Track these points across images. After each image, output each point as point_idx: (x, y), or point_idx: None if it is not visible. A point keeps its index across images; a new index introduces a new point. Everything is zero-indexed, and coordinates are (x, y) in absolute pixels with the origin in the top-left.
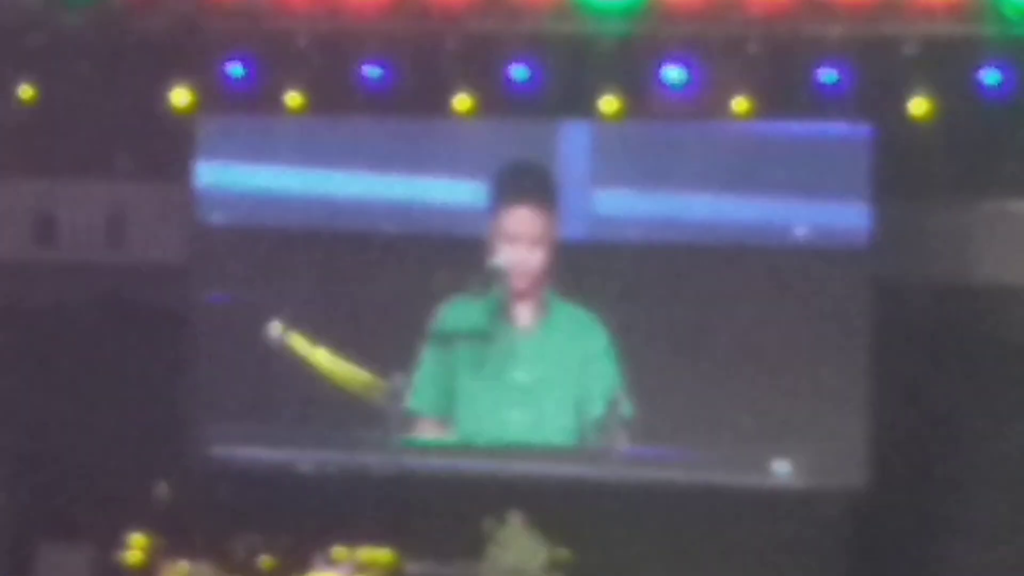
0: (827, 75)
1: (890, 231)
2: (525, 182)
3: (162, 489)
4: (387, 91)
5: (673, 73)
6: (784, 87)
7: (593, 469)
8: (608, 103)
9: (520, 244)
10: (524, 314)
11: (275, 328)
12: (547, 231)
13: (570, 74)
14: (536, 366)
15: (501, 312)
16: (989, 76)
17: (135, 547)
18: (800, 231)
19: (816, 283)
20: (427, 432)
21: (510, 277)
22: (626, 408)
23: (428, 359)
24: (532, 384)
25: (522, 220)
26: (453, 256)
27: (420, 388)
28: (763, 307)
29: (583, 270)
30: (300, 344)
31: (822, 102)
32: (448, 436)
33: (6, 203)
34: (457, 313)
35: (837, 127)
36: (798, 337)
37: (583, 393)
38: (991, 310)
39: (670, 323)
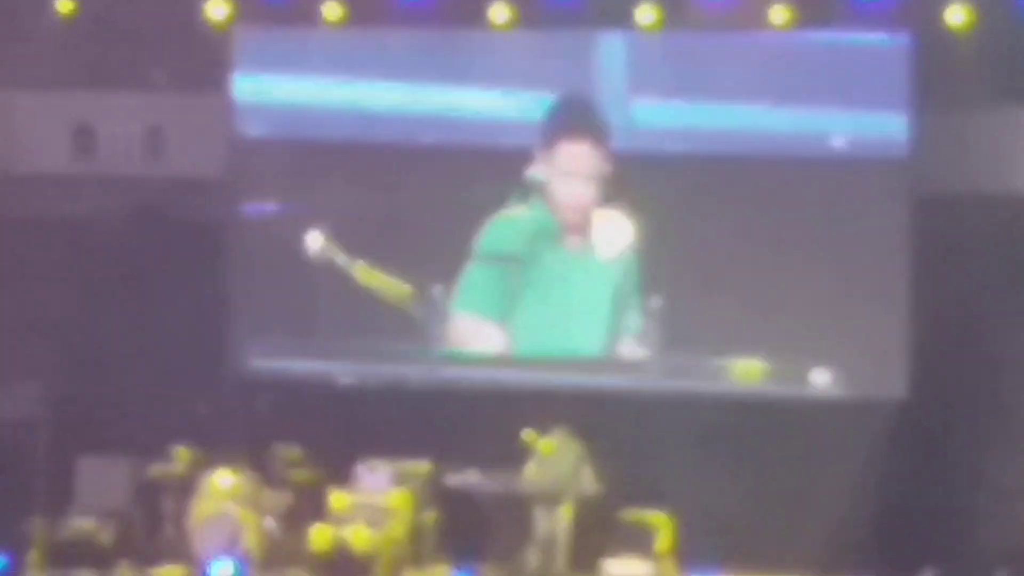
0: None
1: (929, 141)
2: (584, 118)
3: (201, 404)
4: (425, 2)
5: None
6: None
7: (632, 380)
8: (646, 13)
9: (576, 179)
10: (574, 236)
11: (314, 240)
12: (602, 165)
13: None
14: (585, 283)
15: (552, 236)
16: None
17: (175, 459)
18: (838, 141)
19: (855, 193)
20: (476, 333)
21: (561, 209)
22: (660, 332)
23: (475, 272)
24: (581, 300)
25: (579, 157)
26: (491, 167)
27: (467, 292)
28: (802, 217)
29: (621, 181)
30: (339, 256)
31: (861, 11)
32: (497, 338)
33: (46, 116)
34: (504, 232)
35: (876, 37)
36: (837, 248)
37: (622, 310)
38: None
39: (708, 233)
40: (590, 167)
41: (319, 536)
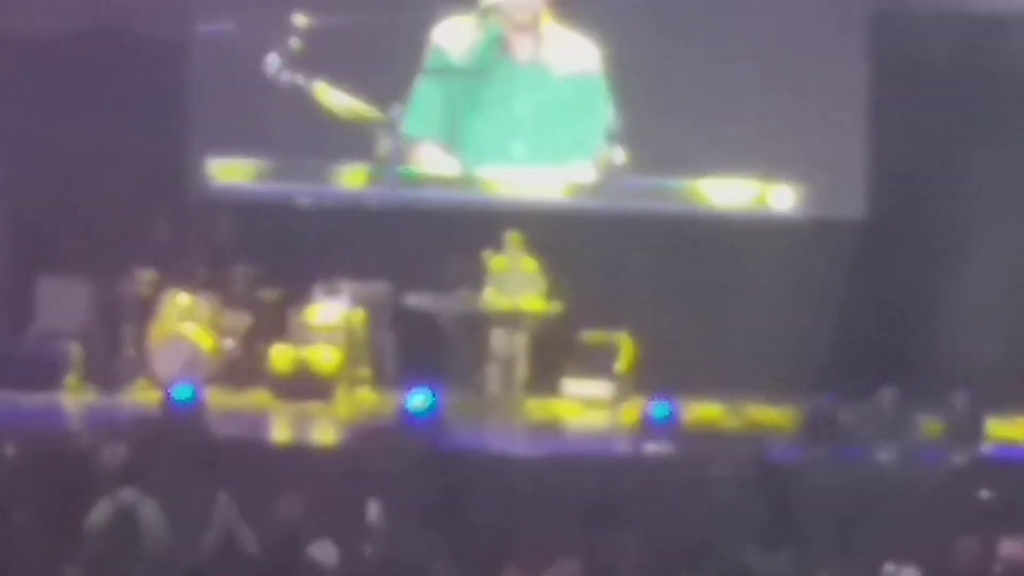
0: None
1: None
2: None
3: (160, 224)
4: None
5: None
6: None
7: (593, 199)
8: None
9: None
10: (523, 46)
11: (273, 61)
12: None
13: None
14: (536, 97)
15: (500, 46)
16: None
17: (135, 280)
18: None
19: (813, 10)
20: (429, 156)
21: (510, 10)
22: (624, 150)
23: (424, 89)
24: (532, 115)
25: None
26: None
27: (417, 114)
28: (762, 39)
29: None
30: (298, 77)
31: None
32: (450, 160)
33: None
34: (452, 44)
35: None
36: (798, 67)
37: (582, 123)
38: (992, 38)
39: (668, 53)
40: None
41: (280, 357)
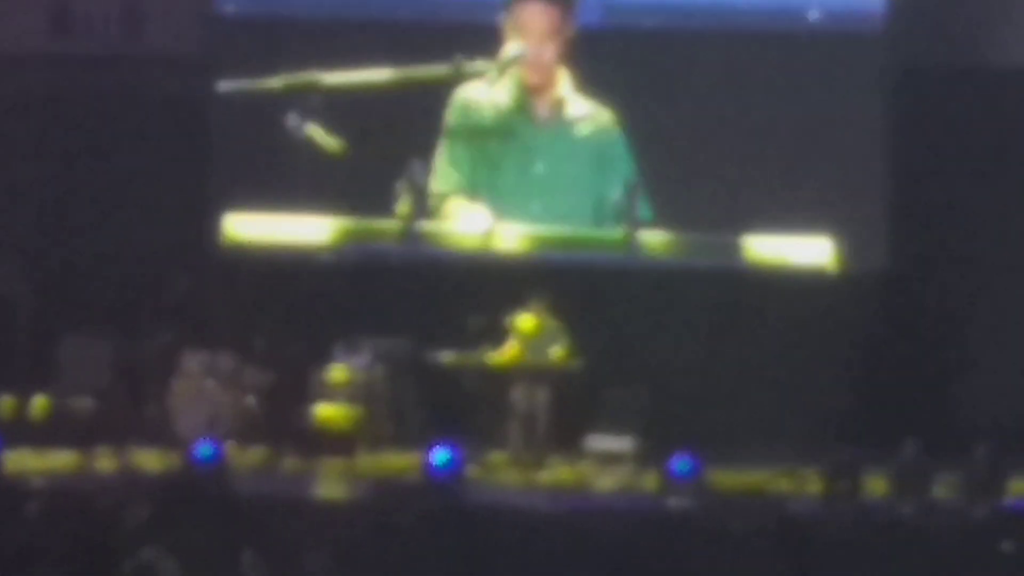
0: None
1: (905, 13)
2: None
3: (181, 282)
4: None
5: None
6: None
7: (614, 254)
8: None
9: (532, 38)
10: (541, 109)
11: (293, 119)
12: (560, 25)
13: None
14: (555, 158)
15: (519, 107)
16: None
17: (158, 338)
18: (814, 14)
19: (832, 67)
20: (459, 209)
21: (525, 70)
22: (644, 208)
23: (448, 147)
24: (551, 176)
25: (534, 14)
26: (468, 43)
27: (444, 171)
28: (780, 93)
29: (598, 57)
30: (318, 134)
31: None
32: (481, 211)
33: None
34: (473, 105)
35: None
36: (817, 123)
37: (602, 183)
38: (1013, 91)
39: (686, 111)
40: (544, 24)
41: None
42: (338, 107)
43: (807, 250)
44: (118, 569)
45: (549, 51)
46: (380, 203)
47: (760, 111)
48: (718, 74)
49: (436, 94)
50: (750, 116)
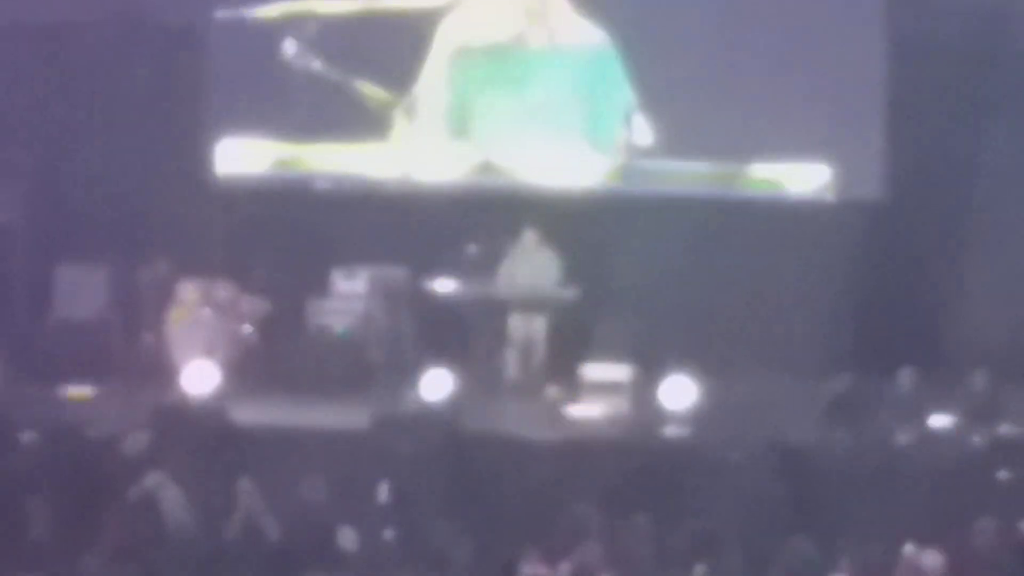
0: None
1: None
2: None
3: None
4: None
5: None
6: None
7: (612, 183)
8: None
9: None
10: (537, 32)
11: (290, 46)
12: None
13: None
14: (551, 83)
15: (514, 30)
16: None
17: (153, 267)
18: None
19: None
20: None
21: None
22: (642, 132)
23: (434, 73)
24: (547, 101)
25: None
26: None
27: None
28: (785, 20)
29: None
30: (315, 63)
31: None
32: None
33: None
34: (465, 30)
35: None
36: (816, 48)
37: (598, 108)
38: (1015, 18)
39: (684, 31)
40: None
41: None
42: (333, 34)
43: (803, 177)
44: (120, 496)
45: None
46: (377, 130)
47: (759, 35)
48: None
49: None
50: (748, 41)
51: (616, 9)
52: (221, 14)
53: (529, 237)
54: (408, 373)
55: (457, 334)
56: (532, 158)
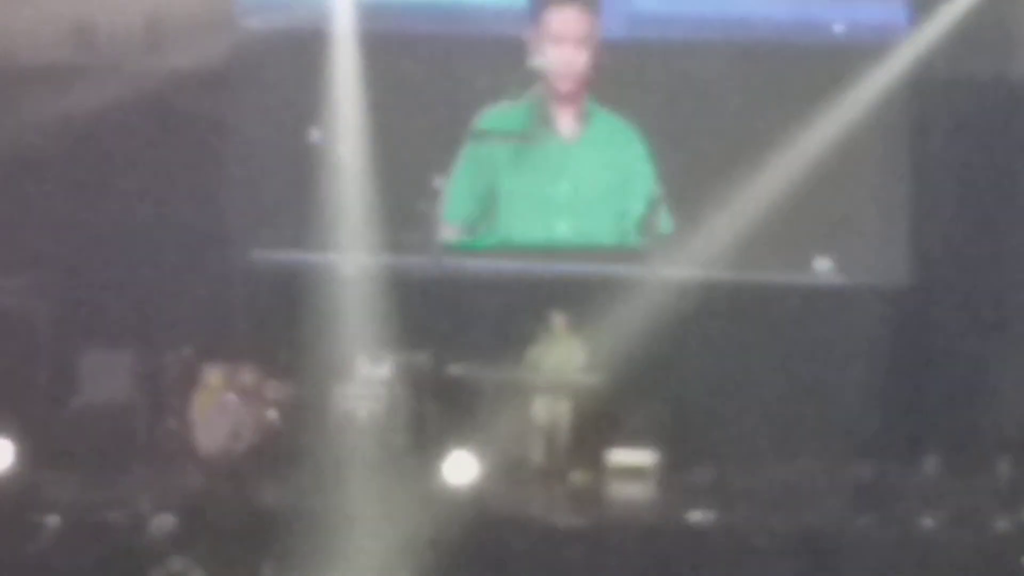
0: None
1: (928, 25)
2: None
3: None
4: None
5: None
6: None
7: (635, 267)
8: None
9: (566, 45)
10: (566, 121)
11: (315, 134)
12: (591, 31)
13: None
14: (579, 175)
15: (543, 117)
16: None
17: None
18: (839, 27)
19: (855, 79)
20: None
21: (552, 79)
22: (665, 221)
23: (466, 165)
24: (575, 192)
25: (568, 21)
26: (493, 56)
27: (455, 196)
28: (803, 105)
29: (622, 70)
30: (340, 148)
31: None
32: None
33: (45, 9)
34: (498, 117)
35: None
36: (839, 134)
37: (624, 200)
38: None
39: (708, 123)
40: (578, 30)
41: None
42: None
43: (827, 263)
44: None
45: (581, 59)
46: (403, 217)
47: (783, 124)
48: (742, 87)
49: (462, 109)
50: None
51: (641, 98)
52: (247, 100)
53: (558, 322)
54: (432, 457)
55: (482, 418)
56: (559, 242)
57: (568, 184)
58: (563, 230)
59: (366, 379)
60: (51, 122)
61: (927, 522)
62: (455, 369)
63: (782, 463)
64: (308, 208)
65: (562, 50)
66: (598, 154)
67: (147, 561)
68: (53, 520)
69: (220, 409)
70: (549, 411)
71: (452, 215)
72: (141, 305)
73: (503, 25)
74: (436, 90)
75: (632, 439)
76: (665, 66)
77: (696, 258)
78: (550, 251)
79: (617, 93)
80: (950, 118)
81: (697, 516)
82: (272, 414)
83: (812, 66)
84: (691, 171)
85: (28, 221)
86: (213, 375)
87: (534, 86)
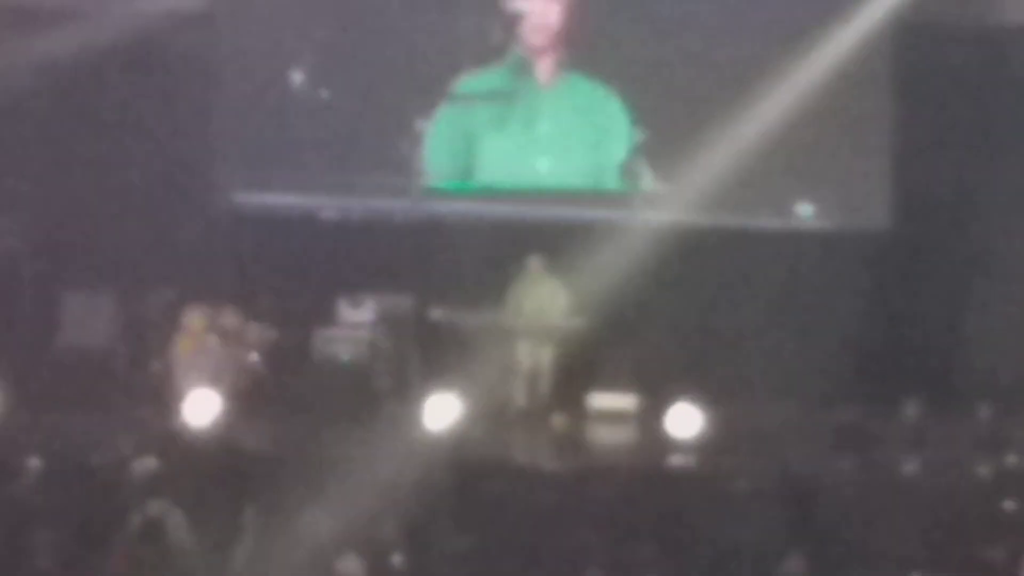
0: None
1: None
2: None
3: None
4: None
5: None
6: None
7: (616, 212)
8: None
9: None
10: (544, 70)
11: (301, 75)
12: None
13: None
14: (558, 116)
15: (523, 70)
16: None
17: (161, 294)
18: None
19: (838, 26)
20: None
21: (527, 32)
22: (645, 176)
23: (444, 123)
24: (555, 132)
25: None
26: (471, 5)
27: (434, 151)
28: (784, 50)
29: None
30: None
31: None
32: None
33: None
34: (477, 81)
35: None
36: (820, 79)
37: (604, 144)
38: (1016, 51)
39: (689, 69)
40: None
41: None
42: (342, 66)
43: (809, 208)
44: (125, 523)
45: (553, 12)
46: (384, 161)
47: (764, 66)
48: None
49: (443, 57)
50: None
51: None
52: (231, 42)
53: (534, 265)
54: (414, 400)
55: (463, 362)
56: (541, 186)
57: (547, 124)
58: (544, 168)
59: (347, 322)
60: (34, 64)
61: (908, 466)
62: (437, 312)
63: (763, 407)
64: (291, 151)
65: (534, 4)
66: (576, 99)
67: (128, 503)
68: (34, 462)
69: (201, 352)
70: (531, 355)
71: (432, 169)
72: (124, 248)
73: None
74: (419, 33)
75: (614, 383)
76: (642, 13)
77: (678, 203)
78: (532, 194)
79: (592, 40)
80: (931, 62)
81: (678, 460)
82: (254, 357)
83: (793, 8)
84: (672, 116)
85: (10, 164)
86: (195, 318)
87: (511, 47)
